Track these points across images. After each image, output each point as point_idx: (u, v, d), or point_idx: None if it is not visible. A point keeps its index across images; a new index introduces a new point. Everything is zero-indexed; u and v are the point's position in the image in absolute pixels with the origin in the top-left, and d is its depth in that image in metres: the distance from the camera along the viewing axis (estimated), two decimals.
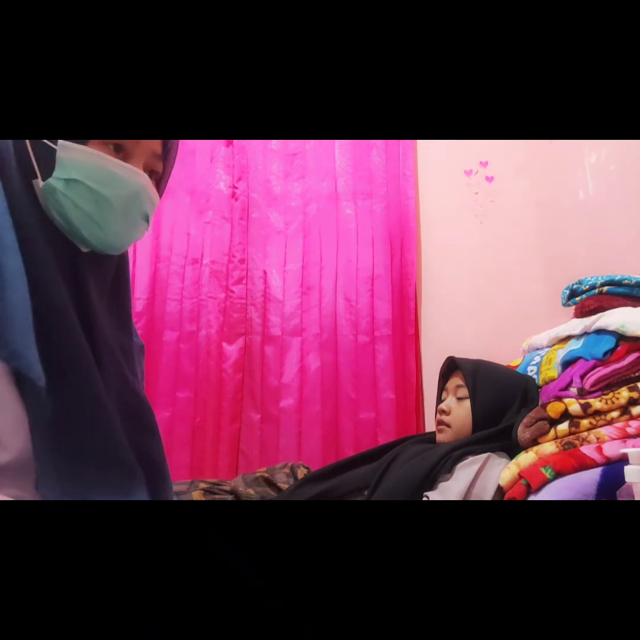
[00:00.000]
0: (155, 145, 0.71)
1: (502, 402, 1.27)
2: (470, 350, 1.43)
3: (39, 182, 0.65)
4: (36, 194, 0.65)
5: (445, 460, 1.15)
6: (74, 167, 0.65)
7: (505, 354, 1.53)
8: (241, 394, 1.93)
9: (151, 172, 0.72)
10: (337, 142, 2.10)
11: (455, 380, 1.34)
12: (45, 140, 0.64)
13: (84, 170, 0.65)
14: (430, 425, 1.86)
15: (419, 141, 2.11)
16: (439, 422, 1.33)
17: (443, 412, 1.33)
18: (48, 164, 0.64)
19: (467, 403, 1.29)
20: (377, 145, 2.11)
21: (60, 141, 0.64)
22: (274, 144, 2.11)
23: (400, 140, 2.06)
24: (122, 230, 0.70)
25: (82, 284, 0.67)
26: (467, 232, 2.02)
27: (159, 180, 0.75)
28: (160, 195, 0.76)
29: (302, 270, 2.03)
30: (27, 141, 0.64)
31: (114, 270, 0.75)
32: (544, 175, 1.92)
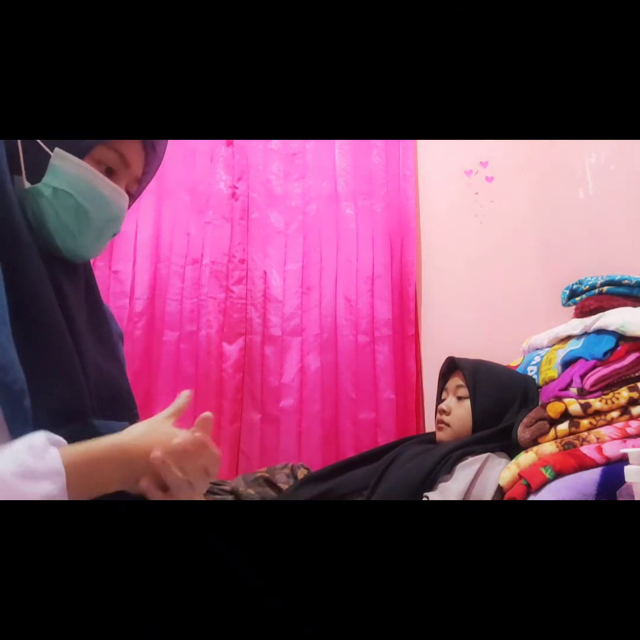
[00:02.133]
0: (138, 170, 0.73)
1: (502, 402, 1.27)
2: (470, 350, 1.43)
3: (24, 182, 0.64)
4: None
5: (445, 461, 1.15)
6: (66, 178, 0.65)
7: (505, 354, 1.53)
8: (241, 394, 1.93)
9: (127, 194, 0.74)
10: (337, 142, 2.10)
11: (456, 380, 1.34)
12: (41, 143, 0.64)
13: (75, 183, 0.65)
14: (430, 425, 1.86)
15: (419, 141, 2.11)
16: (439, 422, 1.33)
17: (443, 412, 1.33)
18: (38, 167, 0.64)
19: (467, 403, 1.29)
20: (377, 145, 2.11)
21: (56, 149, 0.64)
22: (274, 144, 2.11)
23: (400, 140, 2.06)
24: (93, 245, 0.71)
25: (58, 281, 0.67)
26: (467, 232, 2.02)
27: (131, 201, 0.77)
28: None
29: (302, 270, 2.03)
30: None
31: (84, 271, 0.75)
32: (544, 175, 1.92)
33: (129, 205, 0.77)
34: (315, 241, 2.04)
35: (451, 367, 1.39)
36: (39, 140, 0.64)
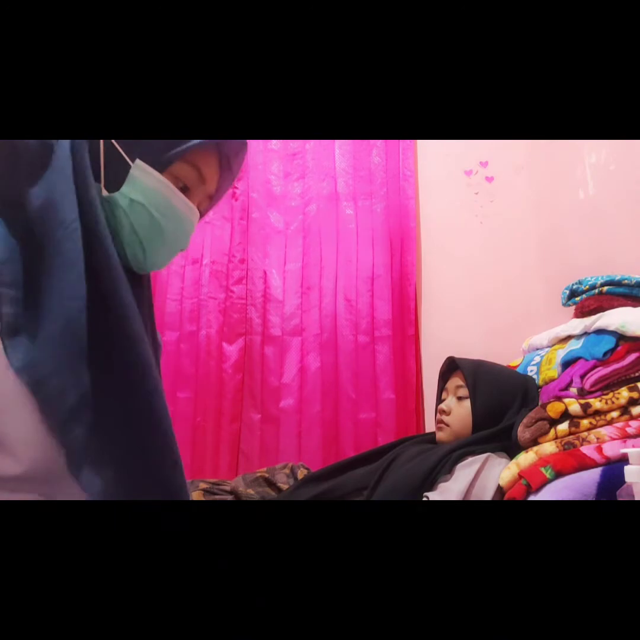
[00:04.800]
0: (212, 187, 0.73)
1: (502, 402, 1.27)
2: (470, 350, 1.43)
3: (102, 190, 0.64)
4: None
5: (445, 461, 1.15)
6: (143, 189, 0.65)
7: (505, 354, 1.53)
8: (241, 394, 1.93)
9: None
10: (337, 142, 2.10)
11: (455, 380, 1.34)
12: (122, 153, 0.64)
13: (151, 196, 0.65)
14: (430, 425, 1.86)
15: (419, 141, 2.11)
16: (439, 422, 1.33)
17: (443, 412, 1.33)
18: (118, 176, 0.64)
19: (467, 403, 1.29)
20: (377, 145, 2.11)
21: (137, 160, 0.64)
22: (274, 144, 2.11)
23: (400, 140, 2.06)
24: (160, 260, 0.71)
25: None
26: (467, 232, 2.02)
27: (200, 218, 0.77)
28: None
29: (302, 270, 2.03)
30: (102, 143, 0.64)
31: (147, 283, 0.75)
32: (544, 175, 1.92)
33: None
34: (315, 241, 2.04)
35: (451, 367, 1.39)
36: (120, 150, 0.64)
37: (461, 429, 1.29)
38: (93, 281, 0.60)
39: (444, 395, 1.38)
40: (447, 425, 1.31)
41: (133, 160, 0.65)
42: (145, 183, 0.65)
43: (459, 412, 1.30)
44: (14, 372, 0.56)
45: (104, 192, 0.64)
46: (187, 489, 0.65)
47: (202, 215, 0.75)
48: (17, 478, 0.56)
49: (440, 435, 1.32)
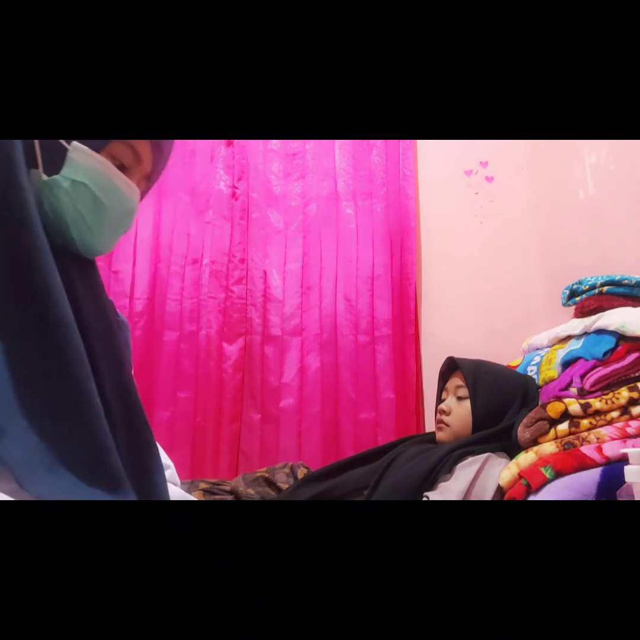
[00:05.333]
0: (148, 167, 0.74)
1: (502, 402, 1.27)
2: (470, 350, 1.43)
3: (41, 175, 0.64)
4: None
5: (445, 461, 1.15)
6: (84, 170, 0.66)
7: (505, 354, 1.53)
8: (241, 394, 1.93)
9: None
10: (337, 142, 2.10)
11: (455, 380, 1.34)
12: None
13: (93, 176, 0.66)
14: (430, 425, 1.86)
15: (419, 141, 2.11)
16: (439, 422, 1.33)
17: (443, 412, 1.33)
18: (55, 160, 0.65)
19: (467, 403, 1.29)
20: (377, 145, 2.11)
21: (74, 142, 0.65)
22: (274, 144, 2.11)
23: (400, 140, 2.06)
24: (107, 240, 0.72)
25: (69, 277, 0.65)
26: (467, 232, 2.02)
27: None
28: None
29: (302, 270, 2.03)
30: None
31: (95, 268, 0.75)
32: (544, 175, 1.92)
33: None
34: (315, 241, 2.04)
35: (451, 367, 1.39)
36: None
37: (461, 429, 1.29)
38: (14, 263, 0.58)
39: (444, 395, 1.38)
40: (447, 425, 1.31)
41: (69, 144, 0.65)
42: (84, 163, 0.66)
43: (459, 412, 1.30)
44: None
45: (44, 177, 0.65)
46: (118, 467, 0.62)
47: (141, 196, 0.76)
48: None
49: (440, 435, 1.32)
